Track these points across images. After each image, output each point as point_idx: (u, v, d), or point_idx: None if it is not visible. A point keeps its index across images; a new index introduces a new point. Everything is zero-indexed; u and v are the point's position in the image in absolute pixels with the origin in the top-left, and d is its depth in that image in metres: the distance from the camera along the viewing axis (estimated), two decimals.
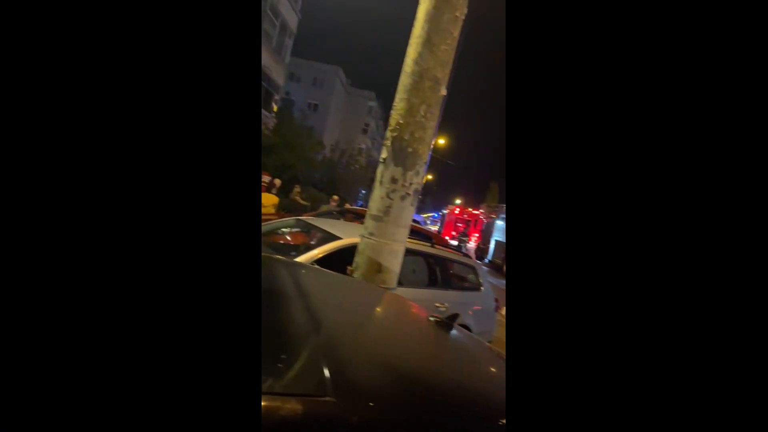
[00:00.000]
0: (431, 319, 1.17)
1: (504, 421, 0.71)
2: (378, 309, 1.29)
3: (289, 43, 16.36)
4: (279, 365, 0.66)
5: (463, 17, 2.15)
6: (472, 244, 16.88)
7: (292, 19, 15.97)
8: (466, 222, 19.58)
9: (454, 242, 15.38)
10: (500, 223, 14.97)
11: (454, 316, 1.18)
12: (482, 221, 17.21)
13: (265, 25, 14.08)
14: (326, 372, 0.65)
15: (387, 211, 2.17)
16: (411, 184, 2.19)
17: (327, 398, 0.59)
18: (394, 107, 2.21)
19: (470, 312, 3.42)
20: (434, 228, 16.17)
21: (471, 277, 3.87)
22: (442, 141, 25.26)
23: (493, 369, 1.06)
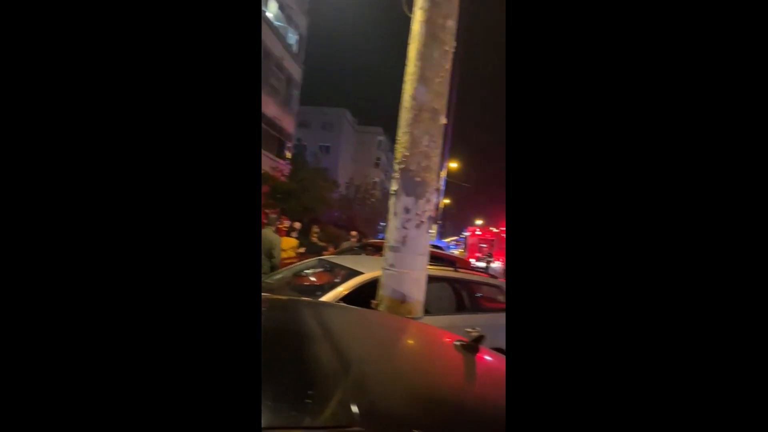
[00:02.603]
0: (457, 343, 1.17)
1: None
2: (402, 339, 1.31)
3: (295, 93, 17.29)
4: (308, 401, 0.69)
5: (453, 50, 2.28)
6: (498, 264, 16.50)
7: (296, 72, 16.96)
8: (490, 242, 19.26)
9: (481, 264, 15.07)
10: None
11: (479, 338, 1.18)
12: (504, 239, 16.89)
13: (272, 81, 14.99)
14: (354, 403, 0.67)
15: (404, 240, 2.21)
16: (424, 212, 2.24)
17: (355, 428, 0.62)
18: (398, 140, 2.31)
19: (502, 333, 3.32)
20: (458, 252, 15.96)
21: (500, 297, 3.79)
22: (454, 164, 25.48)
23: None
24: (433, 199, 2.32)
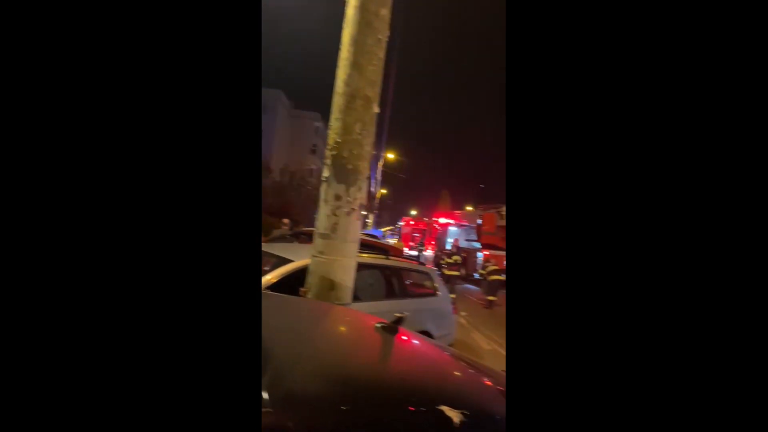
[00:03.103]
0: (377, 325, 1.21)
1: (442, 407, 0.77)
2: (325, 324, 1.32)
3: None
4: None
5: (386, 39, 2.29)
6: (429, 252, 17.24)
7: None
8: (422, 231, 20.02)
9: (414, 252, 15.61)
10: (453, 230, 15.47)
11: (399, 320, 1.24)
12: (436, 229, 17.68)
13: None
14: (265, 390, 0.67)
15: (334, 228, 2.20)
16: (355, 199, 2.25)
17: (265, 409, 0.62)
18: (330, 127, 2.27)
19: (428, 317, 3.51)
20: (393, 241, 16.35)
21: (427, 283, 3.97)
22: (391, 155, 25.80)
23: (438, 363, 1.12)
24: (365, 187, 2.34)
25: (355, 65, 2.18)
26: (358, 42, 2.17)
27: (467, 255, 12.27)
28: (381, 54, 2.26)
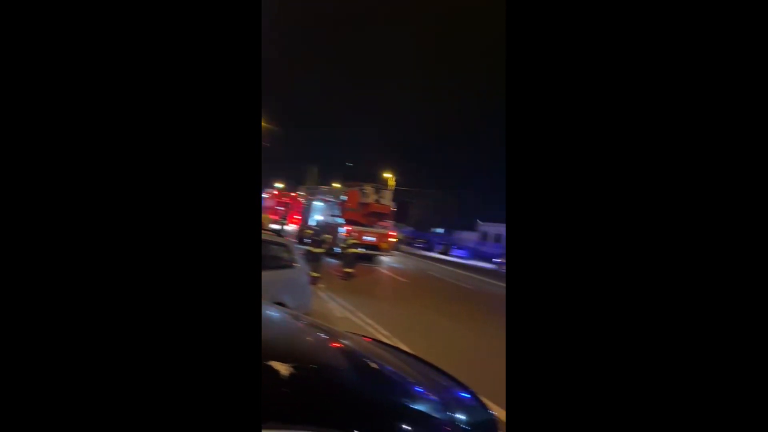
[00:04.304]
0: None
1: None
2: None
3: None
4: None
5: None
6: (293, 227, 16.97)
7: None
8: (286, 205, 19.48)
9: (277, 226, 15.10)
10: (318, 205, 15.55)
11: None
12: (301, 203, 17.45)
13: None
14: None
15: None
16: None
17: None
18: None
19: (284, 288, 3.51)
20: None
21: (285, 255, 3.94)
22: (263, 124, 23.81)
23: (293, 330, 1.14)
24: None
25: None
26: None
27: (330, 230, 12.57)
28: None
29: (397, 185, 17.15)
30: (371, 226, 13.08)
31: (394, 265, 13.44)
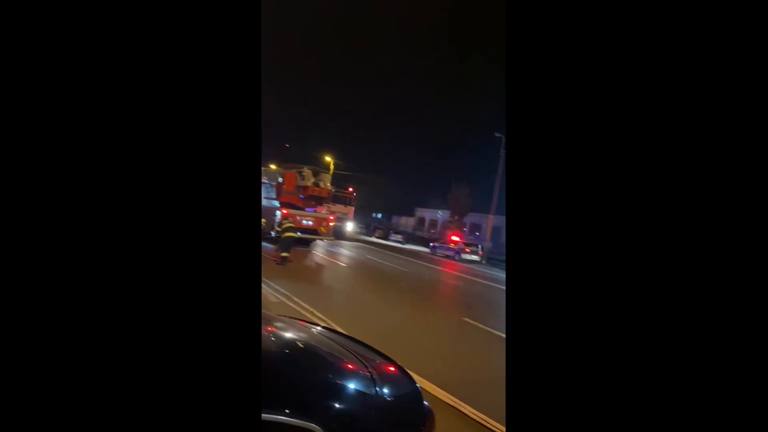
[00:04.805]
0: None
1: None
2: None
3: None
4: None
5: None
6: None
7: None
8: None
9: None
10: None
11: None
12: None
13: None
14: None
15: None
16: None
17: None
18: None
19: None
20: None
21: None
22: None
23: None
24: None
25: None
26: None
27: (265, 213, 12.10)
28: None
29: (336, 169, 16.95)
30: (309, 210, 12.86)
31: (332, 249, 13.41)
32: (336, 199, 16.68)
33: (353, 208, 18.42)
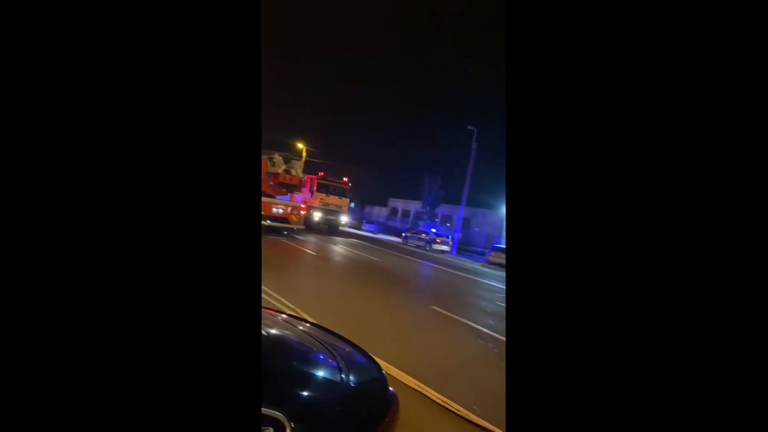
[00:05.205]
0: None
1: None
2: None
3: None
4: None
5: None
6: None
7: None
8: None
9: None
10: None
11: None
12: None
13: None
14: None
15: None
16: None
17: None
18: None
19: None
20: None
21: None
22: None
23: None
24: None
25: None
26: None
27: None
28: None
29: (309, 157, 16.62)
30: (280, 197, 12.59)
31: (302, 237, 13.26)
32: (329, 189, 15.67)
33: (348, 200, 16.72)
